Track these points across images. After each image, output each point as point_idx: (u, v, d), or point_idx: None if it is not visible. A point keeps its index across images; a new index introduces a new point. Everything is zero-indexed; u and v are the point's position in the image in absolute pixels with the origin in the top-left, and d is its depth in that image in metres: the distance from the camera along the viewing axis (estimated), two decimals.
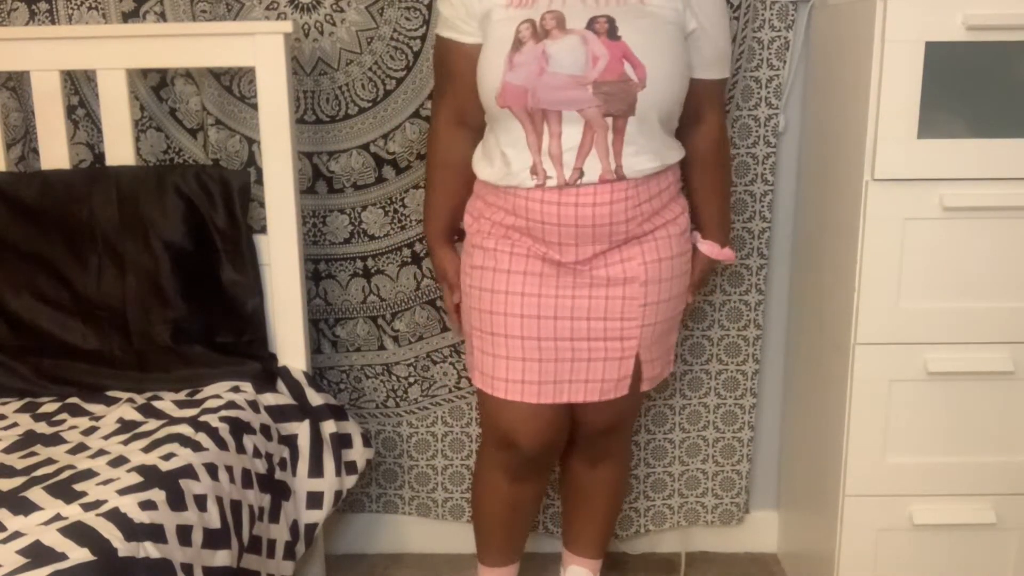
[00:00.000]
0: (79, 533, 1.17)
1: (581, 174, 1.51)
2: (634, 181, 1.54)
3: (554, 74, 1.47)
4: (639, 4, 1.52)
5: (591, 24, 1.49)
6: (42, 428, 1.58)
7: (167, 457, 1.41)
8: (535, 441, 1.66)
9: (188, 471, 1.40)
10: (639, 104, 1.48)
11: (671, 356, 1.77)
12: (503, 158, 1.55)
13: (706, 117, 1.67)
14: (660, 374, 1.73)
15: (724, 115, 1.73)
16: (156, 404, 1.65)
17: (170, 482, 1.35)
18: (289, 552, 1.69)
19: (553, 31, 1.48)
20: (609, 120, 1.48)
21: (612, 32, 1.48)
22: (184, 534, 1.31)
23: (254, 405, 1.68)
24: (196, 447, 1.47)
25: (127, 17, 1.91)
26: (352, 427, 1.85)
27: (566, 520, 1.94)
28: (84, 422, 1.60)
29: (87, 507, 1.24)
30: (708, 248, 1.73)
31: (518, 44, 1.50)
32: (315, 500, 1.76)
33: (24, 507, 1.24)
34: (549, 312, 1.59)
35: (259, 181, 1.90)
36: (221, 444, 1.51)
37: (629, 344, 1.62)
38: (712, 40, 1.59)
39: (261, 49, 1.73)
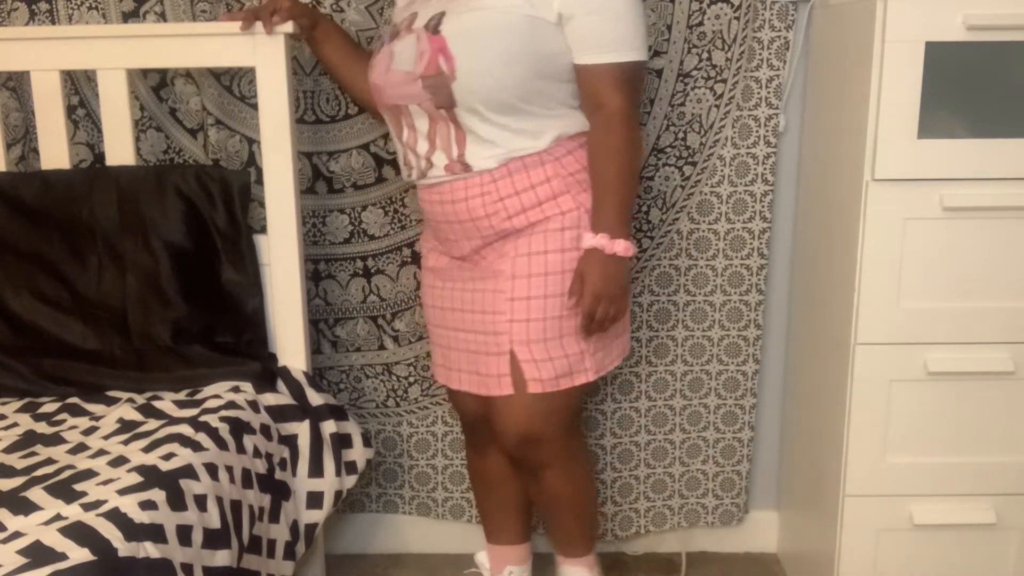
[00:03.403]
0: (79, 533, 1.17)
1: (431, 164, 1.59)
2: (489, 176, 1.57)
3: (395, 71, 1.57)
4: None
5: (429, 21, 1.54)
6: (42, 428, 1.58)
7: (167, 457, 1.41)
8: (467, 413, 1.82)
9: (188, 471, 1.40)
10: (456, 95, 1.51)
11: (582, 364, 1.62)
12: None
13: (604, 104, 1.55)
14: (560, 379, 1.60)
15: (628, 101, 1.55)
16: (156, 404, 1.65)
17: (170, 482, 1.35)
18: (289, 552, 1.69)
19: (402, 31, 1.58)
20: (443, 112, 1.54)
21: (436, 27, 1.52)
22: (184, 534, 1.31)
23: (254, 405, 1.68)
24: (196, 447, 1.46)
25: (127, 17, 1.91)
26: (352, 427, 1.85)
27: (544, 524, 1.97)
28: (84, 422, 1.60)
29: (87, 507, 1.24)
30: (589, 239, 1.55)
31: (379, 45, 1.63)
32: (315, 500, 1.76)
33: (24, 507, 1.24)
34: (445, 303, 1.71)
35: (259, 181, 1.90)
36: (221, 444, 1.51)
37: (501, 339, 1.61)
38: (588, 24, 1.51)
39: (261, 49, 1.73)
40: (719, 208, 2.00)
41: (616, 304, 1.57)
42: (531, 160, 1.57)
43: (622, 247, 1.55)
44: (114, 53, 1.75)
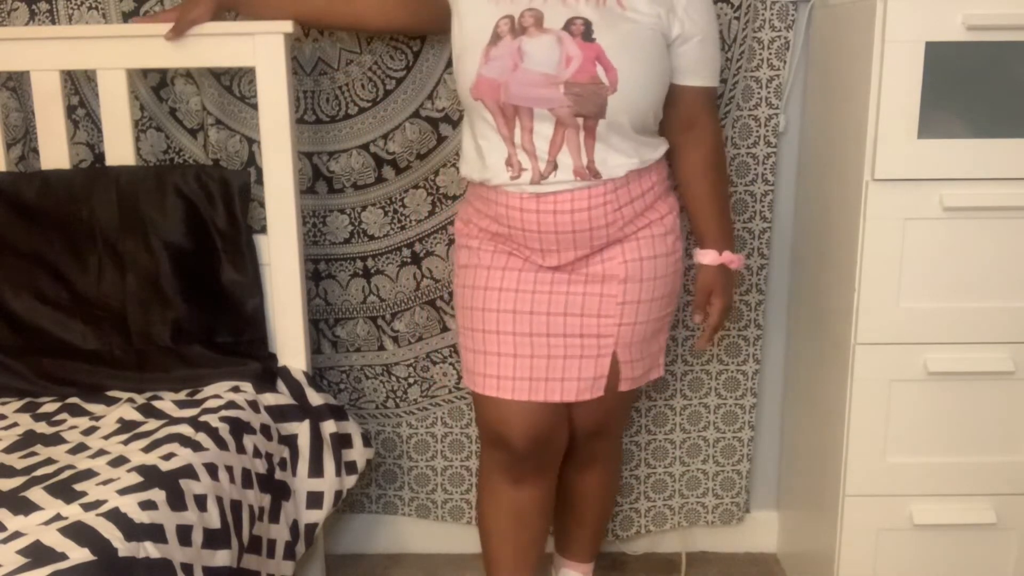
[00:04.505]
0: (79, 533, 1.17)
1: (555, 167, 1.52)
2: (612, 184, 1.54)
3: (527, 71, 1.48)
4: (619, 8, 1.51)
5: (568, 25, 1.50)
6: (42, 428, 1.58)
7: (167, 457, 1.41)
8: (526, 437, 1.63)
9: (188, 471, 1.40)
10: (609, 108, 1.49)
11: (659, 360, 1.74)
12: (478, 151, 1.58)
13: (699, 123, 1.64)
14: (643, 376, 1.70)
15: (718, 121, 1.69)
16: (156, 404, 1.65)
17: (170, 482, 1.35)
18: (289, 552, 1.69)
19: (530, 28, 1.50)
20: (580, 120, 1.50)
21: (587, 34, 1.48)
22: (184, 534, 1.31)
23: (254, 405, 1.68)
24: (196, 447, 1.46)
25: (127, 17, 1.91)
26: (352, 427, 1.85)
27: (557, 524, 1.93)
28: (84, 422, 1.60)
29: (87, 507, 1.24)
30: (707, 257, 1.69)
31: (496, 38, 1.52)
32: (315, 500, 1.76)
33: (24, 507, 1.24)
34: (528, 308, 1.60)
35: (259, 181, 1.90)
36: (221, 444, 1.51)
37: (605, 342, 1.61)
38: (699, 47, 1.58)
39: (261, 49, 1.73)
40: None
41: (729, 309, 1.72)
42: (643, 168, 1.59)
43: (739, 260, 1.69)
44: (114, 53, 1.75)
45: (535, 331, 1.60)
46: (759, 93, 1.94)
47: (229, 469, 1.49)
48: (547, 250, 1.58)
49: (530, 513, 1.73)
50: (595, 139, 1.51)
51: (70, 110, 1.96)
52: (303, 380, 1.81)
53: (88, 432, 1.55)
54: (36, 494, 1.28)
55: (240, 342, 1.80)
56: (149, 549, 1.22)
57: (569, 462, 1.80)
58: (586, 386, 1.63)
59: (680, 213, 1.69)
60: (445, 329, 2.07)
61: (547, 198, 1.53)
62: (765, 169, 1.98)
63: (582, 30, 1.48)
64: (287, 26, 1.72)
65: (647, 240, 1.61)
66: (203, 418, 1.57)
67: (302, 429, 1.75)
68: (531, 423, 1.62)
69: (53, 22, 1.92)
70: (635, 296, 1.61)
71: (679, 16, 1.54)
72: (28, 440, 1.51)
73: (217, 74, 1.94)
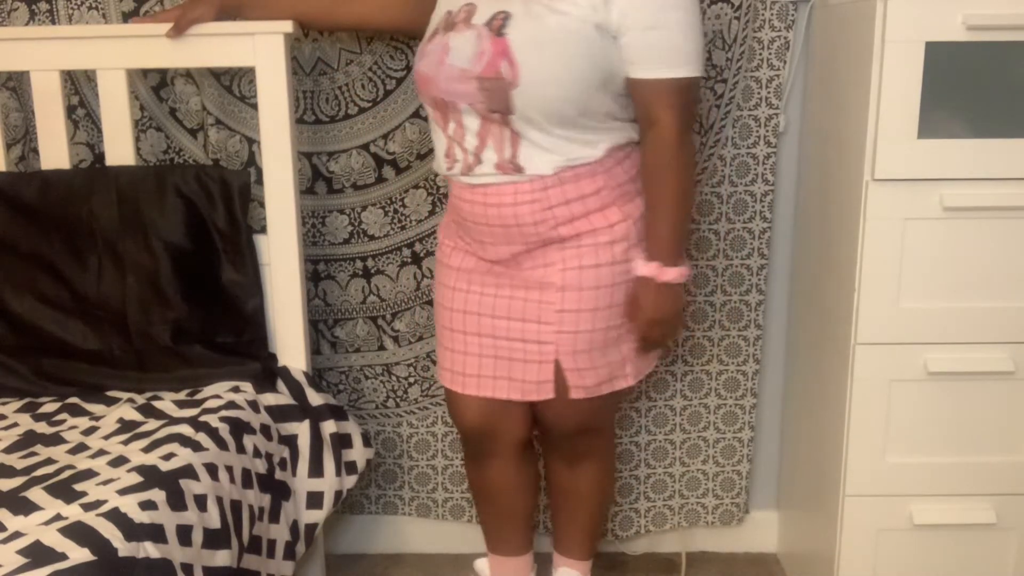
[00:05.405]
0: (79, 533, 1.17)
1: (479, 161, 1.54)
2: (541, 183, 1.53)
3: (450, 66, 1.51)
4: (548, 1, 1.47)
5: (491, 19, 1.49)
6: (42, 428, 1.58)
7: (167, 457, 1.41)
8: (476, 427, 1.74)
9: (188, 471, 1.40)
10: (515, 103, 1.47)
11: (624, 370, 1.65)
12: (434, 144, 1.65)
13: (657, 120, 1.52)
14: (602, 386, 1.64)
15: (681, 118, 1.52)
16: (156, 404, 1.65)
17: (170, 482, 1.35)
18: (289, 552, 1.69)
19: (459, 24, 1.52)
20: (496, 116, 1.50)
21: (500, 29, 1.47)
22: (184, 534, 1.31)
23: (254, 405, 1.68)
24: (196, 447, 1.46)
25: (127, 17, 1.91)
26: (352, 427, 1.85)
27: (553, 521, 1.94)
28: (84, 422, 1.60)
29: (87, 507, 1.24)
30: (642, 267, 1.57)
31: (432, 34, 1.57)
32: (315, 500, 1.76)
33: (24, 507, 1.24)
34: (476, 309, 1.66)
35: (259, 181, 1.90)
36: (221, 444, 1.51)
37: (546, 348, 1.61)
38: (642, 37, 1.47)
39: (261, 49, 1.73)
40: (719, 208, 2.00)
41: (670, 326, 1.61)
42: (584, 170, 1.54)
43: (674, 274, 1.55)
44: (114, 53, 1.75)
45: (482, 332, 1.66)
46: (759, 93, 1.94)
47: (229, 469, 1.49)
48: (487, 242, 1.61)
49: (493, 490, 1.84)
50: (519, 135, 1.50)
51: (70, 110, 1.96)
52: (303, 380, 1.81)
53: (88, 432, 1.55)
54: (36, 494, 1.28)
55: (240, 342, 1.80)
56: (149, 549, 1.22)
57: (556, 458, 1.82)
58: (531, 388, 1.64)
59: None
60: None
61: (479, 189, 1.57)
62: (765, 169, 1.98)
63: (499, 25, 1.48)
64: (287, 26, 1.72)
65: (590, 248, 1.57)
66: (203, 418, 1.57)
67: (302, 429, 1.75)
68: (481, 415, 1.72)
69: (53, 22, 1.92)
70: (575, 305, 1.58)
71: (618, 5, 1.45)
72: (28, 440, 1.51)
73: (217, 74, 1.94)
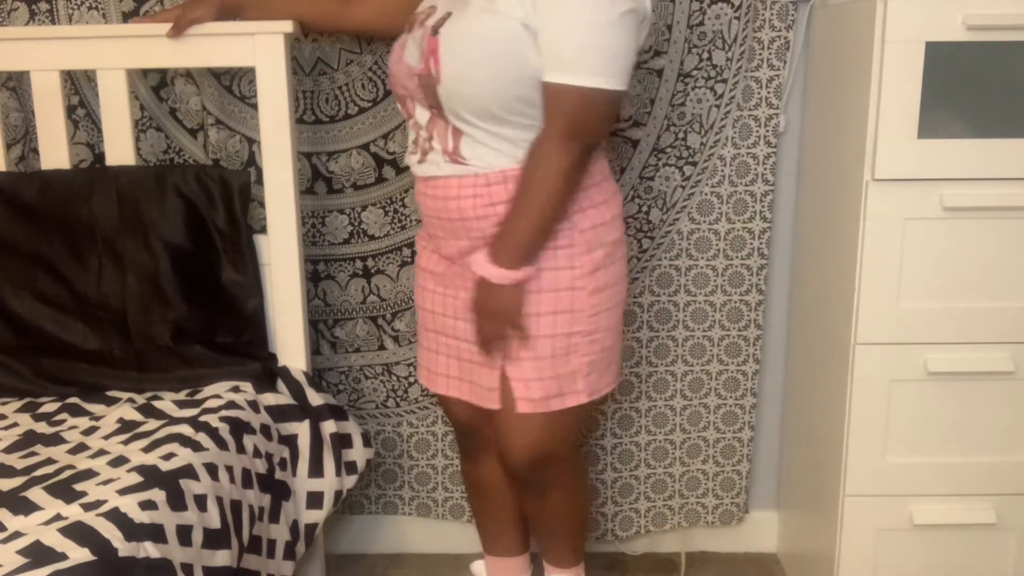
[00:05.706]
0: (79, 533, 1.17)
1: (430, 151, 1.57)
2: (485, 179, 1.51)
3: (404, 63, 1.56)
4: (485, 2, 1.44)
5: (439, 20, 1.52)
6: (42, 428, 1.58)
7: (167, 457, 1.41)
8: (462, 423, 1.78)
9: (188, 471, 1.40)
10: (440, 98, 1.49)
11: (575, 386, 1.57)
12: None
13: (545, 124, 1.45)
14: (551, 401, 1.56)
15: (566, 129, 1.42)
16: (156, 404, 1.65)
17: (170, 482, 1.35)
18: (289, 552, 1.69)
19: (416, 25, 1.56)
20: (436, 111, 1.53)
21: (437, 28, 1.50)
22: (184, 534, 1.31)
23: (254, 405, 1.68)
24: (196, 447, 1.47)
25: (127, 17, 1.91)
26: (352, 427, 1.85)
27: (534, 535, 1.90)
28: (84, 422, 1.60)
29: (87, 507, 1.24)
30: (475, 262, 1.52)
31: (402, 33, 1.62)
32: (315, 500, 1.76)
33: (24, 507, 1.24)
34: (441, 309, 1.66)
35: (259, 181, 1.90)
36: (221, 444, 1.51)
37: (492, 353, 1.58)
38: (547, 39, 1.40)
39: (261, 49, 1.73)
40: (719, 208, 2.00)
41: (495, 323, 1.52)
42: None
43: (499, 275, 1.48)
44: (114, 53, 1.75)
45: (446, 332, 1.67)
46: (759, 93, 1.94)
47: (229, 469, 1.49)
48: (439, 236, 1.62)
49: (487, 487, 1.85)
50: (459, 130, 1.52)
51: (70, 110, 1.96)
52: (303, 380, 1.81)
53: (88, 432, 1.55)
54: (36, 494, 1.28)
55: (240, 342, 1.80)
56: (149, 549, 1.22)
57: (523, 490, 1.74)
58: (485, 394, 1.61)
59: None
60: None
61: (429, 182, 1.58)
62: (765, 169, 1.98)
63: (437, 25, 1.50)
64: (287, 26, 1.72)
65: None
66: (203, 418, 1.57)
67: (302, 429, 1.75)
68: (464, 413, 1.74)
69: (53, 22, 1.92)
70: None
71: (537, 7, 1.39)
72: (28, 440, 1.51)
73: (217, 74, 1.94)
